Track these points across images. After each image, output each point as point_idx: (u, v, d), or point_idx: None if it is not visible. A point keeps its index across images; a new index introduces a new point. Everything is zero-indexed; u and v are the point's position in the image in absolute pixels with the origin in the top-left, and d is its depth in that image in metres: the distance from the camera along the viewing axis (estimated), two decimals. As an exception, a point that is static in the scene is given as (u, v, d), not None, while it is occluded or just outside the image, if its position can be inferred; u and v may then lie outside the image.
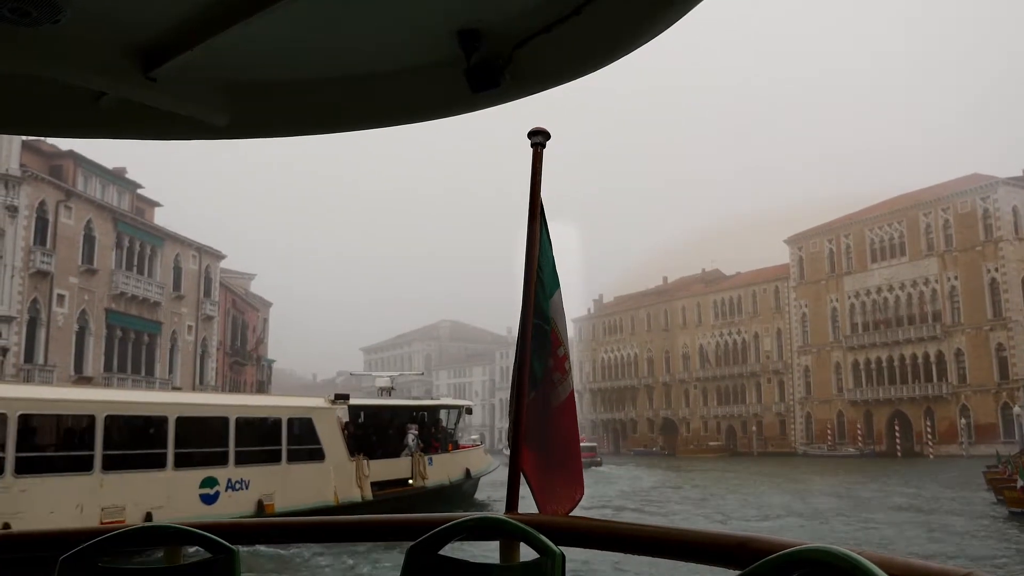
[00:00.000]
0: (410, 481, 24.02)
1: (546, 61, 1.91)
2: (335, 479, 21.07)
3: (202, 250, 51.62)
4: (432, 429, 27.65)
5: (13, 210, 36.23)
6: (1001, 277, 62.38)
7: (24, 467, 15.14)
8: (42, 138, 42.32)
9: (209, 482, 18.17)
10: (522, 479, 2.45)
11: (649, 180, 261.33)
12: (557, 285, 2.77)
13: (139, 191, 49.26)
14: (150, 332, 45.64)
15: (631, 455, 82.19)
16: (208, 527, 2.01)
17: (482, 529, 1.95)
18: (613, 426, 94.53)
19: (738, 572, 1.40)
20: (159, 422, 17.90)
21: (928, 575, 1.38)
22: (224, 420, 19.18)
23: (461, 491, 26.31)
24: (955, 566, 1.39)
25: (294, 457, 20.33)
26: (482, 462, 28.95)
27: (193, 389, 48.60)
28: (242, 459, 18.98)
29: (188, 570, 1.95)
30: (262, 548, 15.87)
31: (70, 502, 15.32)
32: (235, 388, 57.47)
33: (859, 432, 70.44)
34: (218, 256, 53.86)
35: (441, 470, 25.53)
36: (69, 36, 1.76)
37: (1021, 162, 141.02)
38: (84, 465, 16.09)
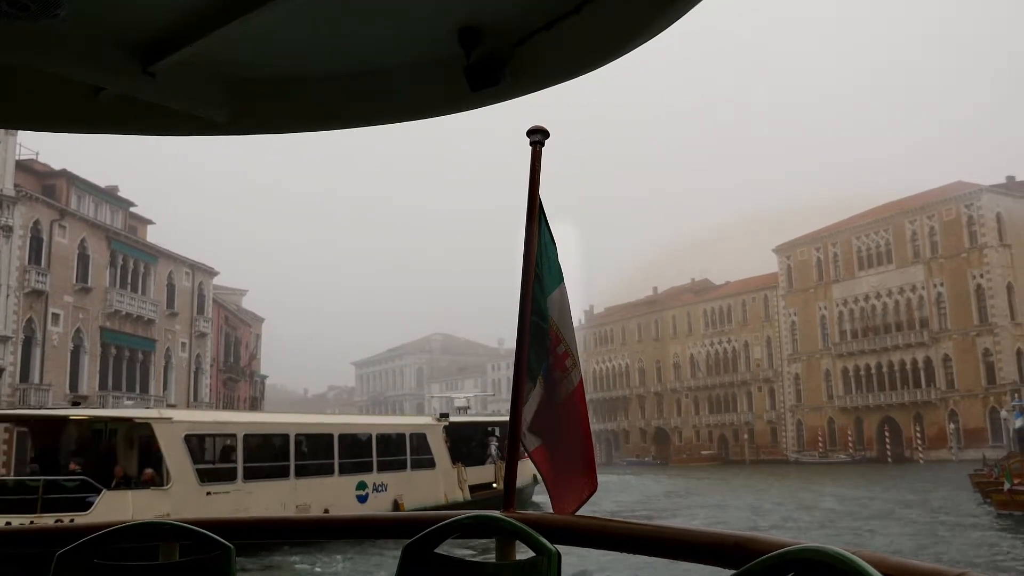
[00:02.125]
0: (494, 484, 27.02)
1: (545, 59, 1.90)
2: (443, 483, 24.92)
3: (195, 267, 51.79)
4: (505, 440, 31.12)
5: (7, 230, 36.39)
6: (986, 283, 63.17)
7: (248, 474, 19.67)
8: (35, 158, 42.58)
9: (361, 485, 22.40)
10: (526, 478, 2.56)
11: (634, 189, 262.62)
12: (559, 281, 2.79)
13: (132, 209, 49.49)
14: (144, 350, 45.75)
15: (624, 465, 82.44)
16: (204, 524, 2.00)
17: (478, 527, 1.94)
18: (605, 436, 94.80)
19: (733, 572, 1.41)
20: (327, 438, 22.42)
21: (923, 574, 1.40)
22: (369, 436, 23.79)
23: (526, 494, 29.62)
24: (948, 566, 1.43)
25: (414, 465, 24.42)
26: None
27: (187, 406, 48.67)
28: (381, 467, 23.29)
29: (184, 566, 1.94)
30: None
31: (277, 501, 19.46)
32: (229, 405, 57.49)
33: (850, 438, 70.97)
34: (211, 273, 54.02)
35: (518, 476, 28.70)
36: (67, 30, 1.75)
37: (1004, 169, 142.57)
38: (284, 472, 20.59)
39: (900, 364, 68.32)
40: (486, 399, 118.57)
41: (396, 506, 22.78)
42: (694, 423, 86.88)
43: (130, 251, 45.24)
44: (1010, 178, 67.56)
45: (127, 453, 19.20)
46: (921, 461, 61.96)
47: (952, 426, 63.55)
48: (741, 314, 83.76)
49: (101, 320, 41.99)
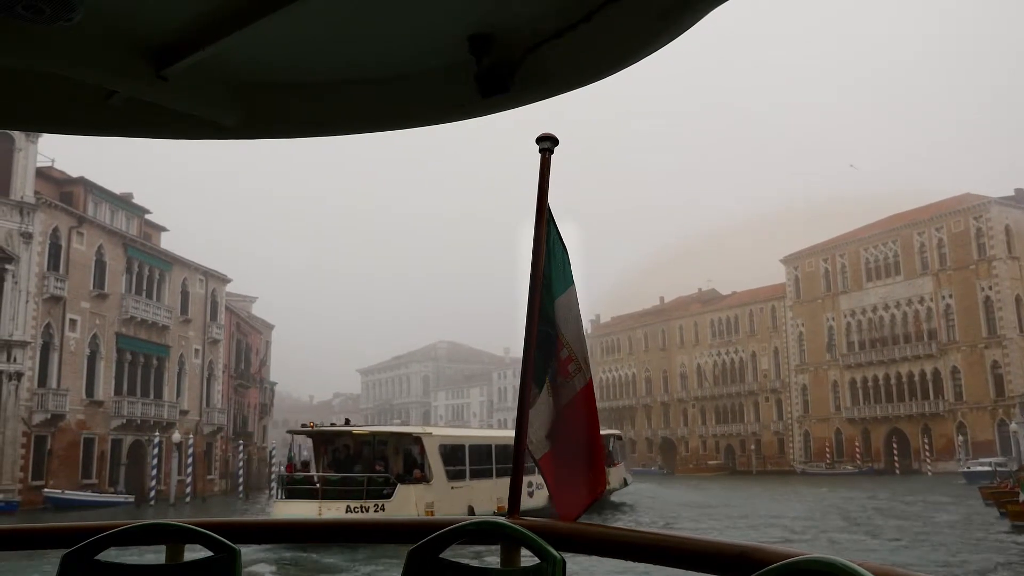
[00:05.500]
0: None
1: (556, 67, 1.90)
2: None
3: (208, 274, 52.16)
4: (613, 449, 37.03)
5: (28, 236, 36.79)
6: (995, 295, 63.26)
7: (472, 475, 26.56)
8: (52, 165, 42.99)
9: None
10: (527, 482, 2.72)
11: (636, 198, 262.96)
12: (568, 284, 2.80)
13: (146, 216, 49.90)
14: (159, 356, 46.05)
15: (631, 474, 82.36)
16: (210, 525, 1.98)
17: (483, 533, 1.94)
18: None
19: None
20: (511, 447, 26.96)
21: None
22: None
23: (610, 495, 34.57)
24: None
25: None
26: (626, 476, 40.95)
27: (200, 412, 49.15)
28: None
29: (190, 568, 1.93)
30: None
31: (486, 496, 25.59)
32: (239, 411, 57.86)
33: (857, 450, 70.98)
34: (224, 280, 54.37)
35: (612, 479, 33.20)
36: (81, 34, 1.75)
37: (1012, 182, 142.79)
38: (489, 474, 27.21)
39: (908, 375, 68.37)
40: (492, 407, 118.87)
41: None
42: (700, 433, 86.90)
43: (145, 258, 45.63)
44: (1019, 190, 67.71)
45: (395, 458, 25.13)
46: (929, 473, 61.95)
47: (960, 438, 63.54)
48: (748, 324, 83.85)
49: (117, 326, 42.36)
